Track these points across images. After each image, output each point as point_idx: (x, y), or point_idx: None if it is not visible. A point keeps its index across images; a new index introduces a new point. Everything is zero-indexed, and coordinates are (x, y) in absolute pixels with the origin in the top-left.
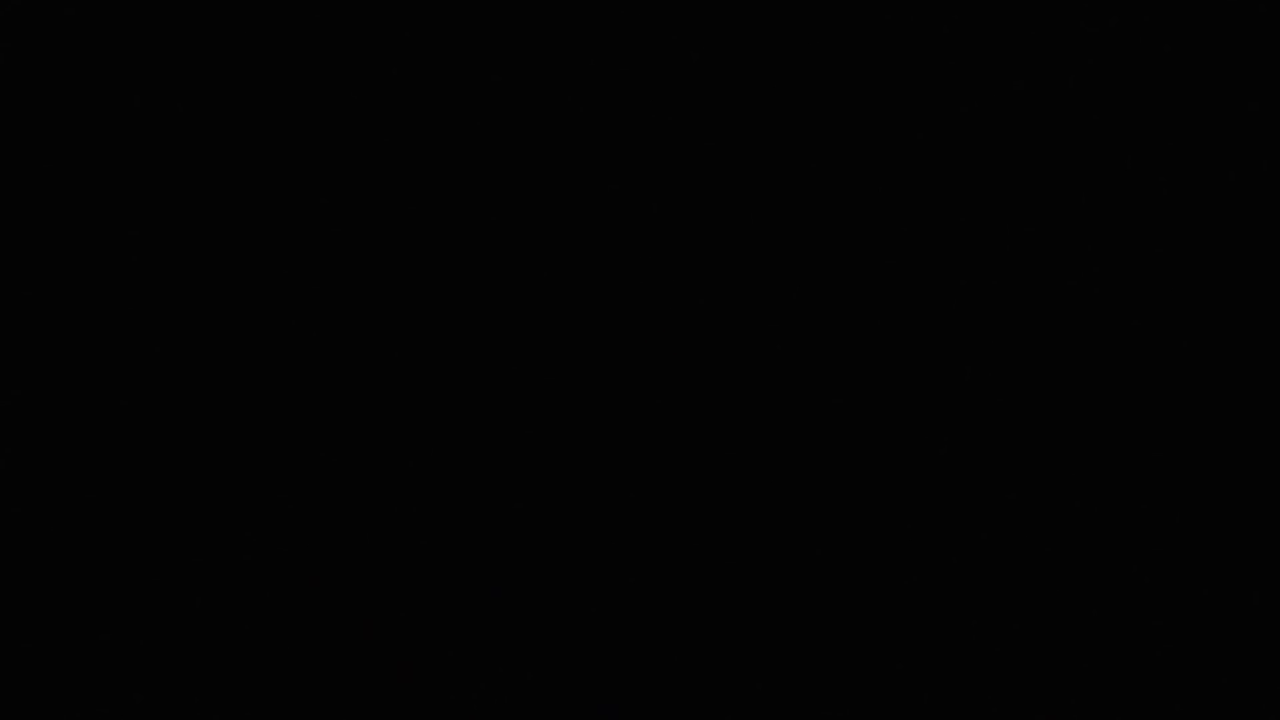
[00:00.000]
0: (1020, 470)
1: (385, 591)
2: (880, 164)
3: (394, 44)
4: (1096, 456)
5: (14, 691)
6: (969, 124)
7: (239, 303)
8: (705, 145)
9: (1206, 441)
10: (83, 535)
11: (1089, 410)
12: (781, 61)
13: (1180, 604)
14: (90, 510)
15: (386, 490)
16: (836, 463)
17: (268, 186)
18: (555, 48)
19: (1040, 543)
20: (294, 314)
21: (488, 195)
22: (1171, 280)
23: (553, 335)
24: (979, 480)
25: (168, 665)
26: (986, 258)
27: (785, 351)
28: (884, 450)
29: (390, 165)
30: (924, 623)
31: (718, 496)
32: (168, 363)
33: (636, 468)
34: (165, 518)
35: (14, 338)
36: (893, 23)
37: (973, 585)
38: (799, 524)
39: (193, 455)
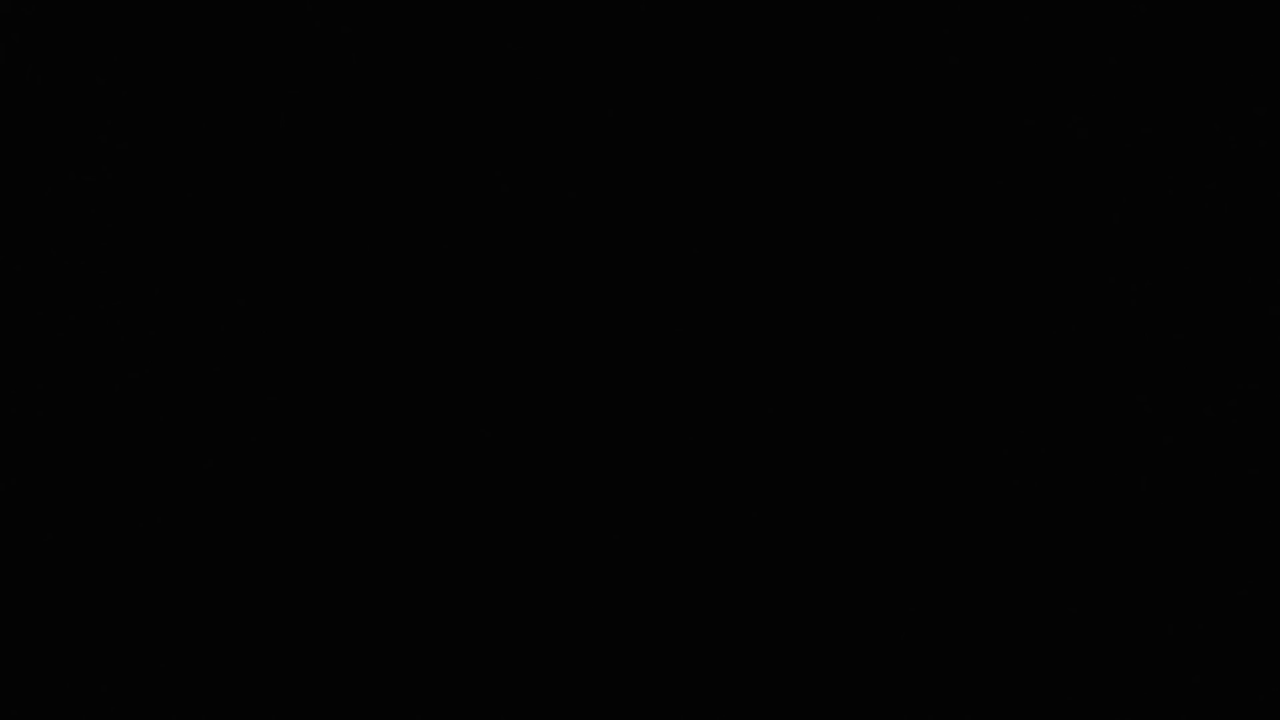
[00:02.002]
0: (1020, 470)
1: (385, 591)
2: (880, 164)
3: (394, 43)
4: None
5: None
6: (969, 124)
7: (238, 302)
8: (705, 145)
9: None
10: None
11: (1089, 410)
12: (781, 61)
13: (1181, 604)
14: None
15: (386, 490)
16: (836, 462)
17: (267, 186)
18: (555, 48)
19: (1040, 543)
20: (293, 313)
21: (487, 195)
22: (1172, 280)
23: (552, 335)
24: (979, 480)
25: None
26: (986, 258)
27: (785, 351)
28: (884, 450)
29: (389, 165)
30: (924, 623)
31: (717, 496)
32: (167, 362)
33: (636, 467)
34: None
35: (14, 338)
36: (892, 23)
37: (973, 585)
38: (799, 524)
39: (192, 455)
